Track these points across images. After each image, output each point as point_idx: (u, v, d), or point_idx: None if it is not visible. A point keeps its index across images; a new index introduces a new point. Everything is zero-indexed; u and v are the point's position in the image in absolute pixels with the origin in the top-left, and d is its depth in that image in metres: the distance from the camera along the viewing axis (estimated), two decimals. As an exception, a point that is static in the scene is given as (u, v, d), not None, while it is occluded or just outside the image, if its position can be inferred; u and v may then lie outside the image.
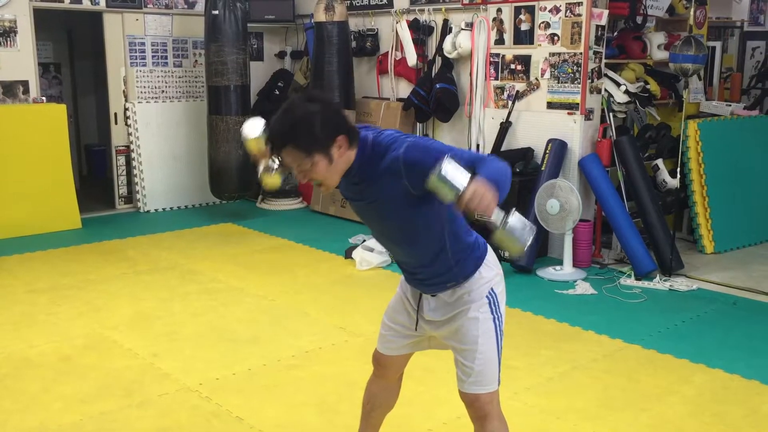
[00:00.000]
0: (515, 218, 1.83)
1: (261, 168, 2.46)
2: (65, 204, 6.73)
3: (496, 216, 1.84)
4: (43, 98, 6.88)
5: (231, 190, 7.07)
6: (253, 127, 2.41)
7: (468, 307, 2.23)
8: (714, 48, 7.26)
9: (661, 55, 6.13)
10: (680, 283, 5.18)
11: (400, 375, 2.64)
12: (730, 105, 6.67)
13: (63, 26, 8.83)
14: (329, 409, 3.34)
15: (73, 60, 9.19)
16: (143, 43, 7.46)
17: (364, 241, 5.84)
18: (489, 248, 2.31)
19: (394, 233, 2.22)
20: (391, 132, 2.11)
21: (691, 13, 5.91)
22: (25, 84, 6.71)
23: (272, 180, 2.46)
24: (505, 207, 1.88)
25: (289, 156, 2.02)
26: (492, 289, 2.26)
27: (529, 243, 1.85)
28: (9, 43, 6.62)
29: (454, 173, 1.80)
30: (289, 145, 2.01)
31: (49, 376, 3.67)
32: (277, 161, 2.43)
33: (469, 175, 1.82)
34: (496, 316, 2.26)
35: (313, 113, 1.98)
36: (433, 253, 2.19)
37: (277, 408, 3.37)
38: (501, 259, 5.33)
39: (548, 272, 5.41)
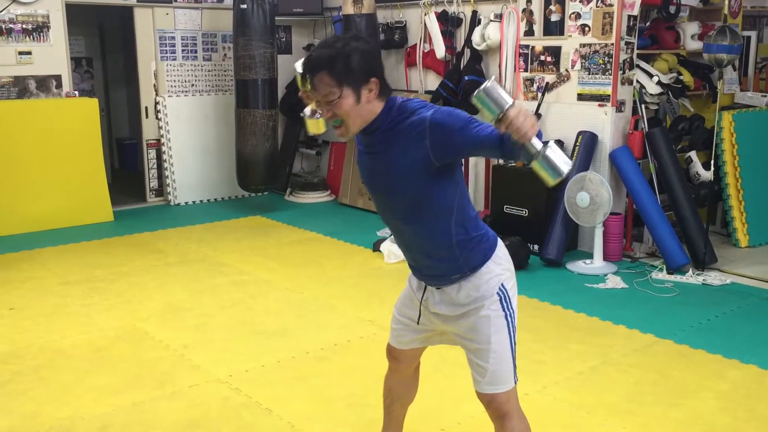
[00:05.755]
0: (553, 148, 1.84)
1: (308, 111, 2.39)
2: (97, 197, 6.82)
3: (535, 143, 1.83)
4: (76, 92, 6.96)
5: (258, 182, 7.11)
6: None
7: (480, 304, 2.20)
8: (749, 37, 7.11)
9: (694, 45, 6.02)
10: (713, 278, 5.10)
11: (415, 368, 2.64)
12: (765, 96, 6.53)
13: (94, 21, 8.94)
14: (358, 402, 3.35)
15: (105, 54, 9.30)
16: (173, 37, 7.52)
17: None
18: (500, 243, 2.27)
19: (399, 207, 2.17)
20: (419, 100, 2.15)
21: (726, 2, 5.79)
22: (57, 78, 6.81)
23: (316, 124, 2.37)
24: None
25: (321, 83, 2.03)
26: (502, 284, 2.22)
27: (565, 174, 1.85)
28: (42, 38, 6.71)
29: (500, 92, 1.82)
30: (324, 71, 2.02)
31: (81, 367, 3.73)
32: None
33: (512, 98, 1.83)
34: (507, 313, 2.22)
35: (354, 48, 2.03)
36: (439, 240, 2.16)
37: (306, 400, 3.39)
38: (530, 252, 5.36)
39: (578, 266, 5.36)
